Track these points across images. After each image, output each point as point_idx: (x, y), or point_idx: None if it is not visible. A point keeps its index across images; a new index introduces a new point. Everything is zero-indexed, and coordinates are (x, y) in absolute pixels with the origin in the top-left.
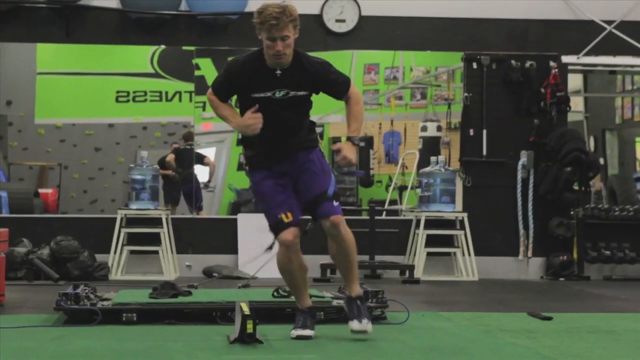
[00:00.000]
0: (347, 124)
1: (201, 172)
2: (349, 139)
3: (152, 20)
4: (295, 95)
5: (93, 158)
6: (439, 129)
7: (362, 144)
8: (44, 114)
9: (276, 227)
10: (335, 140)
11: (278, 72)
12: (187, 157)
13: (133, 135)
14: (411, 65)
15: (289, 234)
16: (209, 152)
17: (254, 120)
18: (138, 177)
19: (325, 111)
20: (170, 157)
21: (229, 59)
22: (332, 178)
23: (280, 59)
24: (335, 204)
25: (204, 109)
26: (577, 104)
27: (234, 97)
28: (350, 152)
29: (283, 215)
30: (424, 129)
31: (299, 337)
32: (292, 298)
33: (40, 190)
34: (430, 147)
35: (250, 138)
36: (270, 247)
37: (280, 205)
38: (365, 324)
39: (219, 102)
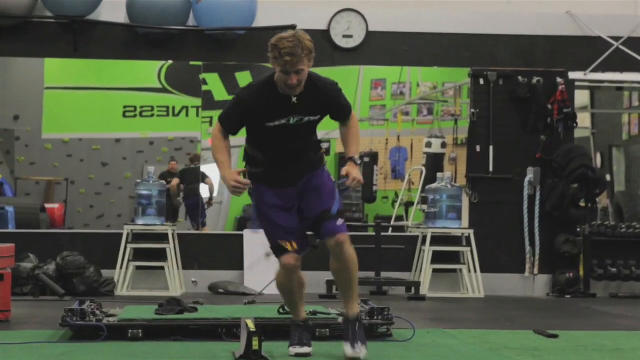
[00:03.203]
0: (346, 146)
1: (204, 190)
2: (351, 159)
3: (160, 36)
4: (309, 120)
5: (100, 173)
6: (443, 145)
7: (366, 159)
8: (51, 129)
9: (278, 251)
10: (342, 155)
11: (294, 100)
12: (193, 176)
13: (140, 151)
14: (418, 81)
15: (291, 258)
16: (216, 168)
17: (239, 187)
18: (144, 192)
19: (331, 127)
20: (175, 182)
21: (236, 74)
22: (336, 196)
23: (294, 91)
24: (340, 222)
25: (210, 124)
26: (584, 120)
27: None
28: (358, 173)
29: (288, 245)
30: (429, 145)
31: (297, 355)
32: None
33: (47, 206)
34: (434, 163)
35: (256, 157)
36: (269, 254)
37: (283, 233)
38: (359, 350)
39: (222, 139)
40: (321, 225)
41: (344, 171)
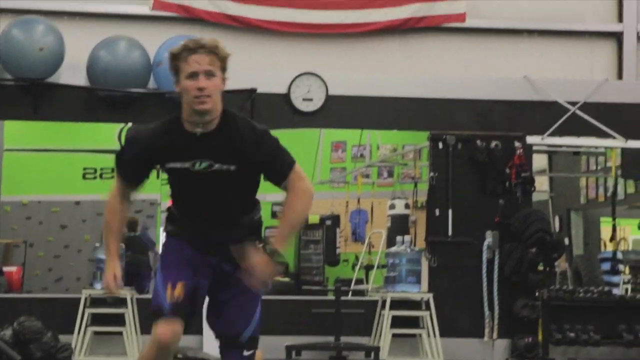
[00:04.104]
0: (281, 217)
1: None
2: (266, 246)
3: (121, 98)
4: (220, 169)
5: (59, 236)
6: (407, 206)
7: (328, 222)
8: (10, 191)
9: (157, 311)
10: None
11: (198, 130)
12: (136, 244)
13: (99, 213)
14: (378, 144)
15: (169, 329)
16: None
17: (111, 284)
18: (103, 256)
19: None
20: None
21: None
22: (257, 312)
23: (204, 103)
24: (247, 353)
25: None
26: (542, 183)
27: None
28: (263, 269)
29: (170, 289)
30: (392, 207)
31: None
32: None
33: (5, 269)
34: (399, 225)
35: (174, 213)
36: None
37: (176, 276)
38: None
39: (117, 212)
40: (225, 351)
41: (252, 260)
